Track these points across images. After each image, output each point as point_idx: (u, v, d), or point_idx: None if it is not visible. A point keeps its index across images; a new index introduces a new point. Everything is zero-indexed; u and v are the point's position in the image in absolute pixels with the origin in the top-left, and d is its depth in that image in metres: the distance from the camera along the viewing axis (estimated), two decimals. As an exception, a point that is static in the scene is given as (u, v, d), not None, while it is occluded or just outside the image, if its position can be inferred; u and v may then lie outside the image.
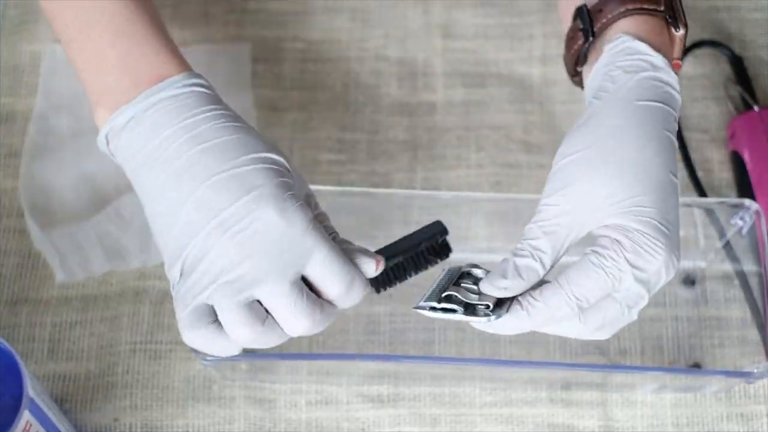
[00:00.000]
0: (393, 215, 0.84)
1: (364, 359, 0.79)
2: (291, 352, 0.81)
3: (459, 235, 0.84)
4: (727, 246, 0.82)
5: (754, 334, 0.81)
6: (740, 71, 0.90)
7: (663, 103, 0.66)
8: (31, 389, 0.65)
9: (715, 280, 0.84)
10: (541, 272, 0.63)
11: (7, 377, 0.65)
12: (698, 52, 0.92)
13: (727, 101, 0.90)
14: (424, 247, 0.67)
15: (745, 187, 0.85)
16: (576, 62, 0.72)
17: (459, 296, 0.63)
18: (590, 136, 0.65)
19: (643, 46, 0.67)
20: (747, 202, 0.78)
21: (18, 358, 0.65)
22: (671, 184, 0.64)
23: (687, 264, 0.84)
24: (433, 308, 0.64)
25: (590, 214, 0.63)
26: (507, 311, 0.63)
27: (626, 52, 0.68)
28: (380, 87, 0.92)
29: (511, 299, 0.63)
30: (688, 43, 0.90)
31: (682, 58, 0.70)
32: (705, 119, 0.90)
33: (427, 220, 0.84)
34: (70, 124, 0.89)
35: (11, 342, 0.81)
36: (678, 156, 0.88)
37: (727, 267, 0.83)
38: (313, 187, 0.86)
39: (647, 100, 0.65)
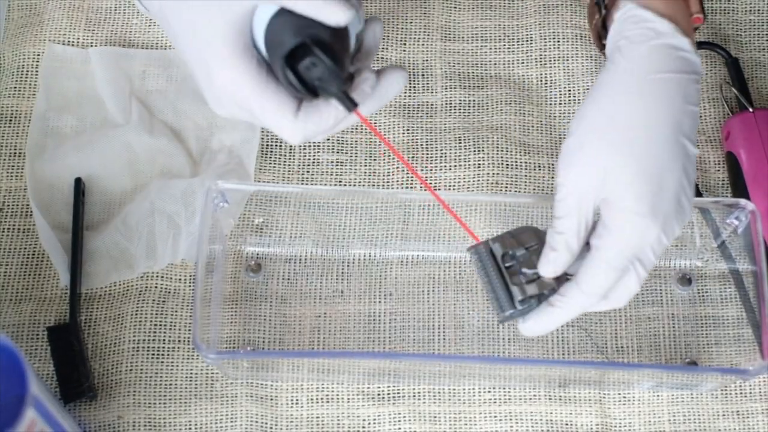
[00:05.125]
0: (393, 215, 0.85)
1: (364, 357, 0.80)
2: (292, 350, 0.82)
3: (458, 235, 0.85)
4: (723, 245, 0.83)
5: (749, 332, 0.82)
6: (736, 73, 0.91)
7: (673, 72, 0.67)
8: (35, 387, 0.65)
9: (710, 279, 0.84)
10: (574, 245, 0.68)
11: (11, 375, 0.64)
12: (695, 53, 0.93)
13: (723, 102, 0.91)
14: None
15: (740, 187, 0.85)
16: (599, 36, 0.73)
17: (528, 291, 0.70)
18: (591, 112, 0.68)
19: (647, 14, 0.67)
20: (742, 201, 0.78)
21: (22, 356, 0.65)
22: (670, 155, 0.66)
23: (683, 263, 0.85)
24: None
25: (592, 191, 0.67)
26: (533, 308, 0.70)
27: (631, 20, 0.68)
28: (380, 88, 0.92)
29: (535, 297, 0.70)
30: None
31: (704, 11, 0.71)
32: (701, 120, 0.91)
33: (426, 220, 0.85)
34: (72, 123, 0.90)
35: (15, 340, 0.81)
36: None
37: (723, 266, 0.84)
38: (313, 187, 0.87)
39: (656, 73, 0.67)
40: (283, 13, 0.63)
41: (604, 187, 0.67)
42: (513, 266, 0.70)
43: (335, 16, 0.62)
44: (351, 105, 0.63)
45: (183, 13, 0.64)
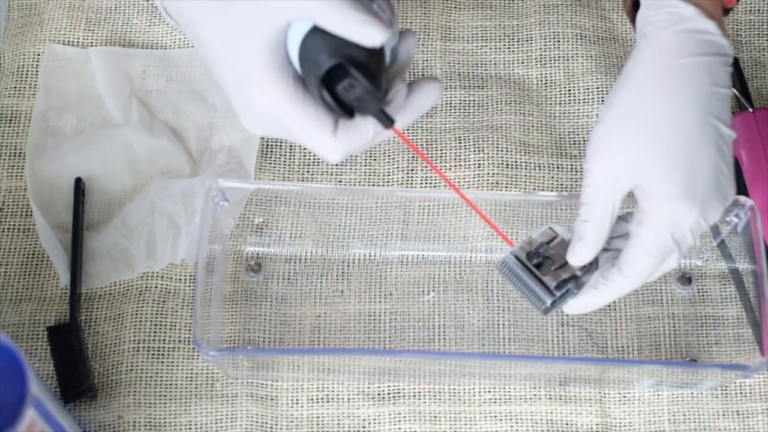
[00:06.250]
0: (393, 215, 0.85)
1: (364, 354, 0.80)
2: (293, 348, 0.82)
3: (458, 234, 0.85)
4: (722, 244, 0.83)
5: (749, 331, 0.82)
6: (736, 73, 0.91)
7: (699, 55, 0.67)
8: (35, 387, 0.65)
9: (710, 278, 0.84)
10: (603, 233, 0.68)
11: (11, 375, 0.65)
12: (694, 53, 0.93)
13: (723, 102, 0.91)
14: None
15: (740, 187, 0.85)
16: (633, 18, 0.73)
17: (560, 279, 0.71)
18: (619, 98, 0.68)
19: None
20: (742, 199, 0.78)
21: (22, 356, 0.65)
22: (700, 137, 0.66)
23: (683, 262, 0.85)
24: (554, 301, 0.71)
25: (620, 177, 0.67)
26: (573, 291, 0.71)
27: (655, 6, 0.68)
28: (380, 88, 0.92)
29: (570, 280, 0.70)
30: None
31: None
32: (701, 120, 0.91)
33: (426, 220, 0.85)
34: (72, 123, 0.90)
35: (15, 340, 0.81)
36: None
37: (723, 265, 0.84)
38: (313, 186, 0.87)
39: (682, 57, 0.67)
40: (318, 31, 0.62)
41: (634, 174, 0.67)
42: (542, 263, 0.71)
43: (370, 37, 0.60)
44: (388, 122, 0.62)
45: (218, 28, 0.63)
